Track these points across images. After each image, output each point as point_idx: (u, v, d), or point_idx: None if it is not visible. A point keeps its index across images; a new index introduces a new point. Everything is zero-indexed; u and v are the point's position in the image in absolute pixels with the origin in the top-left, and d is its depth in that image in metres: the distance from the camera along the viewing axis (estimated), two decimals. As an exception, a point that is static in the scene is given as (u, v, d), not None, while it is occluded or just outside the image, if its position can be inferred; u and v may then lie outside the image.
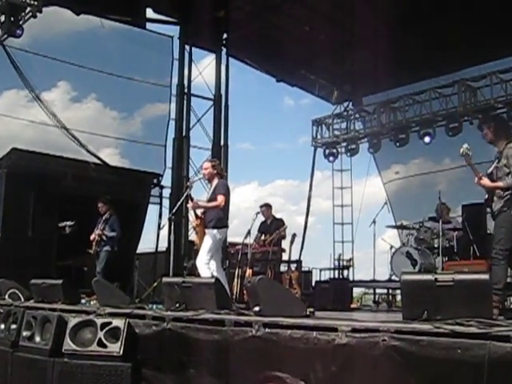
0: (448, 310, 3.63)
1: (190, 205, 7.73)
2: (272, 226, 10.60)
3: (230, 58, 15.21)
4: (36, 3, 10.74)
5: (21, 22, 10.85)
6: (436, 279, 3.72)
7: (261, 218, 10.63)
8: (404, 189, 17.26)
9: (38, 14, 10.73)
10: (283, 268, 10.53)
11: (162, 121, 14.86)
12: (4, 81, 12.76)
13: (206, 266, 7.17)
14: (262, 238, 10.65)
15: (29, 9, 10.77)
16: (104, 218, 10.15)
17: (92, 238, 10.08)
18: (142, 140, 15.07)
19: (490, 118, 6.63)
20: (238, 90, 29.59)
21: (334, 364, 3.68)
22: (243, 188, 29.69)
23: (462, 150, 6.14)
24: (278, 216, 10.90)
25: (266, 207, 10.81)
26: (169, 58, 14.76)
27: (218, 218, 7.38)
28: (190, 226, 12.71)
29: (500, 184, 6.10)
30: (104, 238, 10.03)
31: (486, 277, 3.69)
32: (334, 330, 3.78)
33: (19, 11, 10.79)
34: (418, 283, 3.84)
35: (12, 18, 10.72)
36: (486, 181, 6.13)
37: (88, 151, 12.93)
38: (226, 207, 7.45)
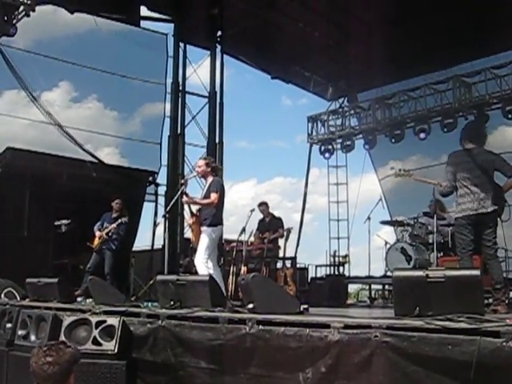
0: (439, 306, 3.66)
1: (184, 199, 7.73)
2: (271, 225, 10.62)
3: (224, 56, 15.22)
4: (29, 2, 10.71)
5: (14, 21, 10.82)
6: (427, 275, 3.75)
7: (257, 215, 10.64)
8: (399, 185, 17.19)
9: (31, 12, 10.70)
10: (279, 265, 10.54)
11: (160, 119, 14.86)
12: (5, 81, 12.69)
13: (205, 265, 7.14)
14: (260, 235, 10.68)
15: (22, 8, 10.75)
16: (115, 216, 10.05)
17: (99, 234, 9.93)
18: (142, 139, 15.06)
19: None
20: (237, 90, 29.59)
21: (327, 360, 3.71)
22: (241, 185, 29.76)
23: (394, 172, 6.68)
24: (275, 213, 10.92)
25: (264, 205, 10.82)
26: (163, 55, 14.72)
27: (213, 215, 7.36)
28: (185, 224, 12.72)
29: None
30: (113, 236, 9.89)
31: (476, 273, 3.72)
32: (327, 326, 3.80)
33: (12, 10, 10.76)
34: (410, 279, 3.86)
35: (5, 17, 10.68)
36: None
37: (84, 149, 12.89)
38: (220, 205, 7.44)
